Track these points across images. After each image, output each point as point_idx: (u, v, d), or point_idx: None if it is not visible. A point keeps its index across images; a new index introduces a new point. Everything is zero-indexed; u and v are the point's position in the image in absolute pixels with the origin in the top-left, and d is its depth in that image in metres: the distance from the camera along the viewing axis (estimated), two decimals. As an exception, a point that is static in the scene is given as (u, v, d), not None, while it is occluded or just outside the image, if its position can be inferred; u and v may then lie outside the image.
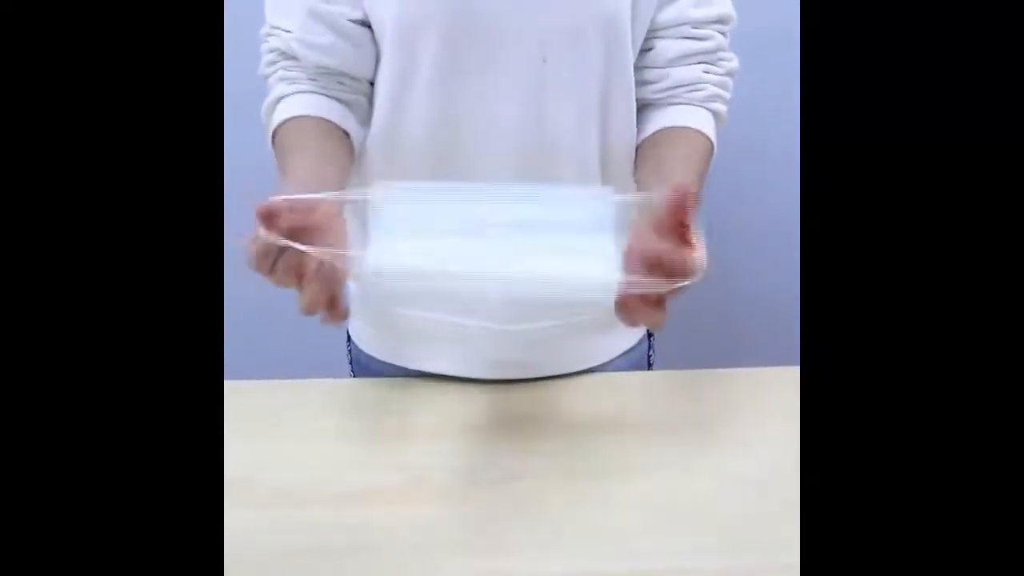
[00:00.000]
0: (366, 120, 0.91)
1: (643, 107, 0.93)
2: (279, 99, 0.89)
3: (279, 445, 0.85)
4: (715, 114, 0.93)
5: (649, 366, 1.06)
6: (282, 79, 0.89)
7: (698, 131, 0.91)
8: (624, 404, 0.91)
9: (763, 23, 1.11)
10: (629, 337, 1.02)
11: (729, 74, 0.94)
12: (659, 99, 0.92)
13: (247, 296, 1.35)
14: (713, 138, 0.92)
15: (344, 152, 0.87)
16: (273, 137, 0.88)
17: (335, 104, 0.89)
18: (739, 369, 0.95)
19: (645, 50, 0.91)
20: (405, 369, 0.98)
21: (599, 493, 0.78)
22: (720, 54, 0.92)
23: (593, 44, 0.85)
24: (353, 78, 0.89)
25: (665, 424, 0.87)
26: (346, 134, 0.89)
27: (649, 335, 1.05)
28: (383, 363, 1.00)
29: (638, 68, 0.91)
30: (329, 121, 0.87)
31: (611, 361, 0.99)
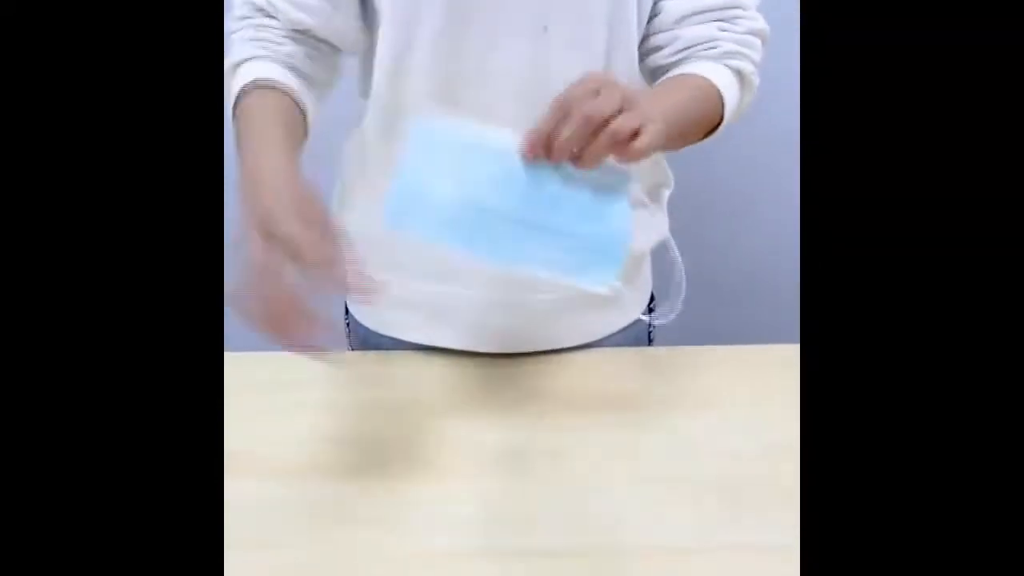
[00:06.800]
0: (323, 99, 0.88)
1: (656, 77, 0.87)
2: (241, 62, 0.83)
3: (277, 417, 0.85)
4: (737, 72, 0.85)
5: (650, 342, 1.06)
6: (250, 39, 0.84)
7: (702, 76, 0.82)
8: (624, 380, 0.91)
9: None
10: (629, 312, 1.01)
11: (752, 33, 0.86)
12: (672, 63, 0.86)
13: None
14: (724, 90, 0.83)
15: (300, 136, 0.82)
16: (235, 104, 0.81)
17: (297, 78, 0.84)
18: (739, 346, 0.95)
19: (652, 16, 0.86)
20: (403, 342, 0.97)
21: (596, 469, 0.78)
22: (737, 11, 0.86)
23: (596, 13, 0.83)
24: (325, 47, 0.87)
25: (665, 400, 0.87)
26: (303, 114, 0.83)
27: (650, 311, 1.05)
28: (381, 336, 0.99)
29: (647, 37, 0.86)
30: (289, 96, 0.82)
31: (611, 336, 0.99)
